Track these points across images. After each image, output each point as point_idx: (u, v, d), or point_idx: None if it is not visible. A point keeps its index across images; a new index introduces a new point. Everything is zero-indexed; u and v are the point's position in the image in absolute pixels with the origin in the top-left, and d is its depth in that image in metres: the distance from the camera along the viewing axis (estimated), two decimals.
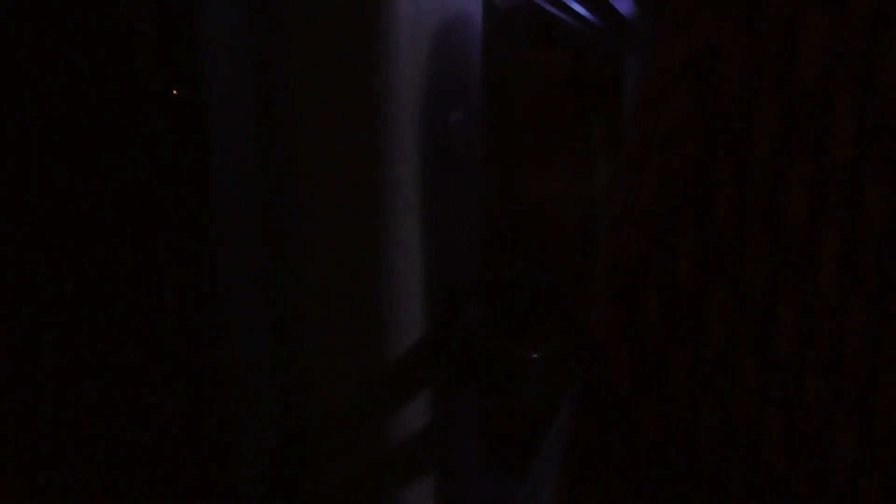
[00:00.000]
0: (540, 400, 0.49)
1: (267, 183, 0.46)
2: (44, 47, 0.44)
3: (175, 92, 0.45)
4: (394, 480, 0.52)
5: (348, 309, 0.48)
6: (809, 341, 0.37)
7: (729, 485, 0.39)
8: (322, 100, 0.45)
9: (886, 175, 0.35)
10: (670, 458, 0.40)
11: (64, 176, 0.46)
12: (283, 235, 0.47)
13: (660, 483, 0.40)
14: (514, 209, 0.65)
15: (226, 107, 0.44)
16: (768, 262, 0.37)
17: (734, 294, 0.37)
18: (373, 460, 0.51)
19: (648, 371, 0.40)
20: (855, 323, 0.37)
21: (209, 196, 0.45)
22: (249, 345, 0.48)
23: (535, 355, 0.46)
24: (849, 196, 0.35)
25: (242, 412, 0.48)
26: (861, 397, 0.37)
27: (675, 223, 0.38)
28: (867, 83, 0.35)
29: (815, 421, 0.38)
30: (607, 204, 0.45)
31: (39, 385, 0.47)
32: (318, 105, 0.45)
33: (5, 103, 0.44)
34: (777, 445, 0.38)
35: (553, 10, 0.92)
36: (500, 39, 0.85)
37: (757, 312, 0.37)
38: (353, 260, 0.47)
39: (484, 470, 0.66)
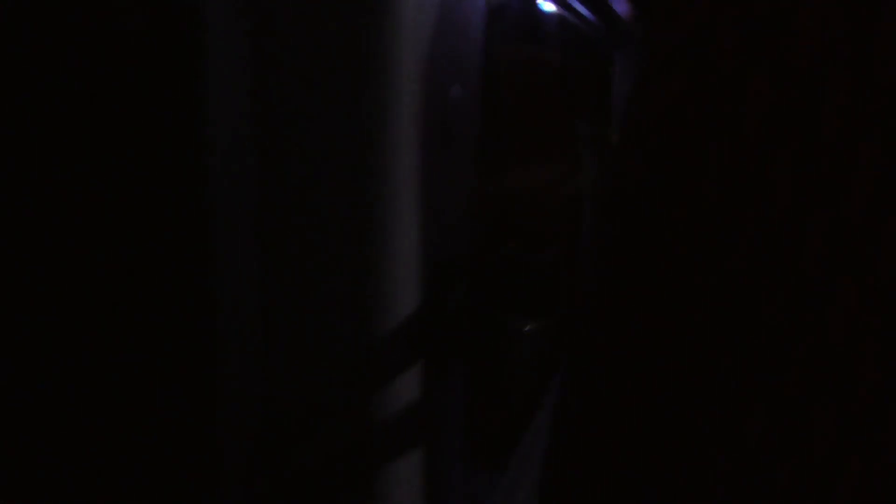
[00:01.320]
0: (528, 377, 0.49)
1: (261, 155, 0.46)
2: (37, 43, 0.44)
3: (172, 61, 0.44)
4: (376, 467, 0.52)
5: (339, 282, 0.48)
6: (793, 330, 0.38)
7: (711, 479, 0.40)
8: (322, 70, 0.45)
9: (876, 156, 0.36)
10: (650, 455, 0.40)
11: (59, 172, 0.46)
12: (274, 208, 0.47)
13: (641, 479, 0.41)
14: (506, 193, 0.66)
15: (223, 74, 0.44)
16: (755, 243, 0.37)
17: (721, 277, 0.38)
18: (356, 445, 0.50)
19: (632, 363, 0.40)
20: (840, 312, 0.37)
21: (204, 164, 0.44)
22: (238, 321, 0.48)
23: (526, 327, 0.46)
24: (836, 177, 0.36)
25: (227, 391, 0.48)
26: (840, 392, 0.37)
27: (666, 202, 0.39)
28: (859, 65, 0.35)
29: (795, 415, 0.38)
30: (598, 186, 0.45)
31: (21, 378, 0.47)
32: (317, 77, 0.45)
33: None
34: (759, 439, 0.39)
35: (546, 3, 0.92)
36: (493, 30, 0.85)
37: (743, 294, 0.38)
38: (345, 233, 0.47)
39: (466, 462, 0.66)
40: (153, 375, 0.47)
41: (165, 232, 0.46)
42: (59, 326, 0.47)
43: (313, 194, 0.46)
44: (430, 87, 0.48)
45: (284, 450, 0.50)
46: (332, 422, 0.50)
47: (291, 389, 0.50)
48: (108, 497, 0.49)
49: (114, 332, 0.47)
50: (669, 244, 0.36)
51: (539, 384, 0.51)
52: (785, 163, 0.35)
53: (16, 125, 0.44)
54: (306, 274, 0.48)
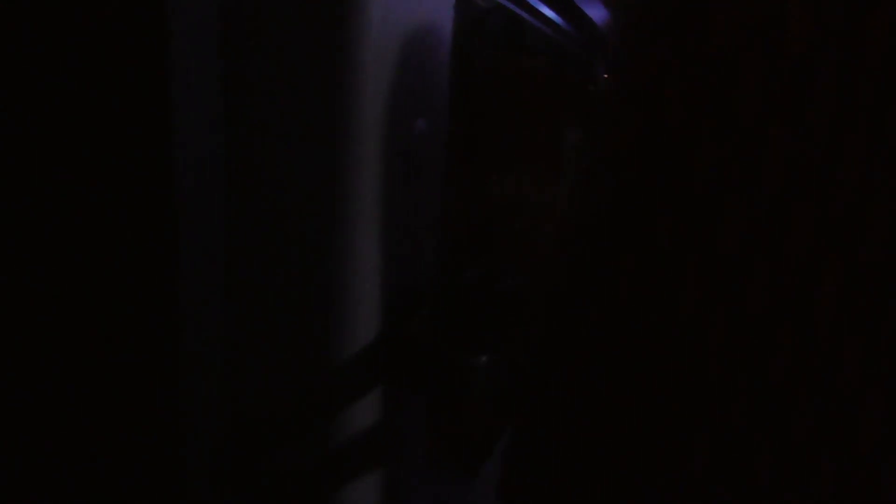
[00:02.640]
0: (487, 406, 0.50)
1: (227, 181, 0.46)
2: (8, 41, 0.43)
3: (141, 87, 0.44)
4: (339, 479, 0.52)
5: (300, 309, 0.48)
6: (739, 362, 0.39)
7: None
8: (285, 100, 0.45)
9: (811, 208, 0.37)
10: (609, 469, 0.42)
11: (27, 172, 0.45)
12: (238, 233, 0.47)
13: (597, 491, 0.42)
14: (475, 216, 0.66)
15: (190, 105, 0.44)
16: (703, 283, 0.38)
17: (671, 313, 0.39)
18: (319, 458, 0.51)
19: (586, 381, 0.41)
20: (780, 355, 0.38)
21: (173, 201, 0.44)
22: (202, 342, 0.48)
23: (482, 361, 0.47)
24: (781, 225, 0.37)
25: (191, 408, 0.48)
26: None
27: (619, 245, 0.40)
28: (797, 122, 0.36)
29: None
30: (563, 217, 0.46)
31: None
32: (280, 106, 0.45)
33: None
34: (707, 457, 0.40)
35: (525, 15, 0.92)
36: (472, 41, 0.85)
37: (690, 329, 0.39)
38: (307, 261, 0.47)
39: (431, 471, 0.67)
40: (116, 396, 0.48)
41: (132, 262, 0.46)
42: (21, 328, 0.47)
43: (276, 220, 0.47)
44: (395, 118, 0.48)
45: (247, 468, 0.51)
46: (293, 441, 0.51)
47: (254, 407, 0.50)
48: (75, 497, 0.49)
49: (77, 338, 0.47)
50: (623, 275, 0.37)
51: (501, 409, 0.52)
52: (732, 207, 0.36)
53: None
54: (269, 297, 0.48)
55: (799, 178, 0.35)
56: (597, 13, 1.07)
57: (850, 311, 0.35)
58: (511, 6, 0.88)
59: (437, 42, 0.54)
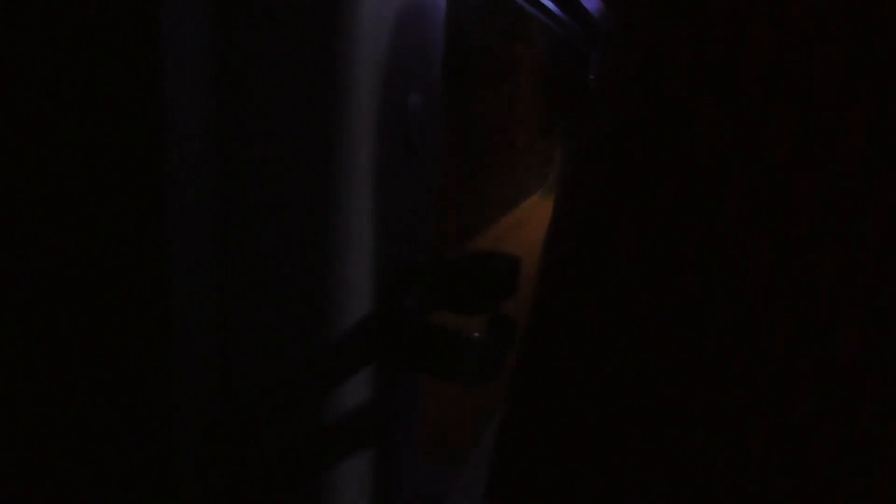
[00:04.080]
0: (481, 383, 0.50)
1: (221, 157, 0.46)
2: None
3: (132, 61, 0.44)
4: (329, 462, 0.52)
5: (295, 285, 0.48)
6: (736, 349, 0.39)
7: (658, 479, 0.41)
8: (279, 77, 0.45)
9: (817, 183, 0.37)
10: (600, 452, 0.41)
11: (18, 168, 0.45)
12: (233, 208, 0.47)
13: (588, 476, 0.42)
14: (468, 197, 0.66)
15: (182, 83, 0.44)
16: (702, 264, 0.38)
17: (669, 295, 0.39)
18: (310, 440, 0.51)
19: (581, 367, 0.41)
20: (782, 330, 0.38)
21: (164, 175, 0.44)
22: (194, 317, 0.48)
23: (478, 335, 0.47)
24: (780, 204, 0.37)
25: (183, 383, 0.48)
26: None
27: (617, 225, 0.39)
28: (802, 94, 0.36)
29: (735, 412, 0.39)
30: (554, 201, 0.46)
31: None
32: (274, 82, 0.45)
33: None
34: (699, 440, 0.40)
35: (522, 2, 0.93)
36: (467, 27, 0.85)
37: (690, 314, 0.38)
38: (301, 237, 0.47)
39: (419, 460, 0.67)
40: (109, 373, 0.48)
41: (125, 232, 0.46)
42: (13, 321, 0.47)
43: (271, 197, 0.47)
44: (389, 95, 0.48)
45: (239, 446, 0.51)
46: (286, 420, 0.51)
47: (248, 386, 0.50)
48: (65, 488, 0.49)
49: (71, 328, 0.47)
50: (620, 260, 0.37)
51: (492, 390, 0.52)
52: (734, 186, 0.36)
53: None
54: (264, 275, 0.48)
55: (802, 157, 0.34)
56: (593, 4, 1.07)
57: (851, 292, 0.35)
58: None
59: (433, 20, 0.54)
